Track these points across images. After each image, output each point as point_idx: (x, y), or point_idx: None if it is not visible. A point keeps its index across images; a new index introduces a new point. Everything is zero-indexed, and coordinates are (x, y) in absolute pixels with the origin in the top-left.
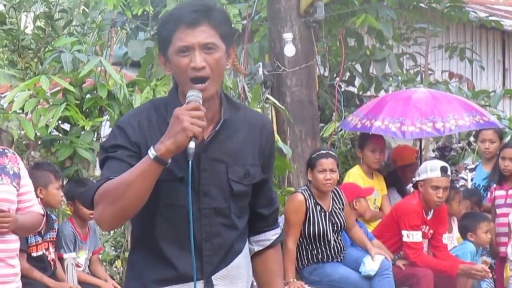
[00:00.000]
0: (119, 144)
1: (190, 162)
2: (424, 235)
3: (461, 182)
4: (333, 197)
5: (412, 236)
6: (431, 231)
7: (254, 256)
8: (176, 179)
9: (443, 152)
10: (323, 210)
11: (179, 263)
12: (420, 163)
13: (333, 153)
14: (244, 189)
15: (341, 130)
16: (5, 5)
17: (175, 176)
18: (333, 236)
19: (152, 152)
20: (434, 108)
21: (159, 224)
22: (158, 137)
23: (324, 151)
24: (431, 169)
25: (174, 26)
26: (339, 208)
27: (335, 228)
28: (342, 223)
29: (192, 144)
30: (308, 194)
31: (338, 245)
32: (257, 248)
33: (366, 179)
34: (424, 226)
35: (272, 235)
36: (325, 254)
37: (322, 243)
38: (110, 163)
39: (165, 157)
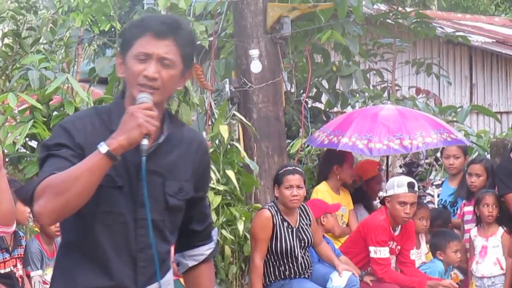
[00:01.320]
0: (63, 143)
1: (143, 158)
2: (391, 251)
3: (428, 198)
4: (300, 213)
5: (379, 252)
6: (399, 247)
7: (187, 272)
8: (116, 187)
9: (410, 168)
10: (290, 226)
11: (115, 272)
12: (387, 176)
13: (299, 169)
14: (178, 203)
15: (307, 146)
16: None
17: (115, 184)
18: (301, 252)
19: (103, 147)
20: (401, 125)
21: (97, 230)
22: (101, 141)
23: (291, 167)
24: (398, 185)
25: (141, 32)
26: (306, 224)
27: (302, 244)
28: (309, 239)
29: (145, 141)
30: (275, 210)
31: (305, 261)
32: (191, 263)
33: (333, 195)
34: (392, 242)
35: (205, 250)
36: (292, 270)
37: (290, 259)
38: (52, 160)
39: (116, 152)
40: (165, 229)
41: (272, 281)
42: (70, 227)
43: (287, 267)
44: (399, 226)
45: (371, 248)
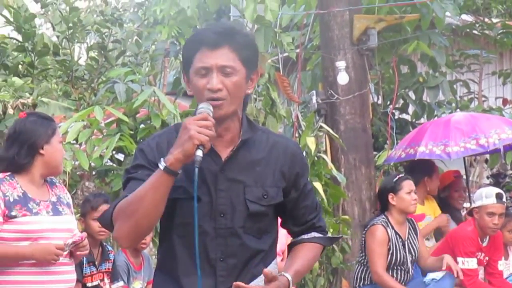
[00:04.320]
0: (140, 164)
1: (196, 169)
2: (479, 262)
3: None
4: (409, 227)
5: (467, 263)
6: (487, 258)
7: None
8: (191, 198)
9: (497, 179)
10: (401, 238)
11: (191, 284)
12: (467, 185)
13: (411, 177)
14: (261, 209)
15: None
16: (58, 36)
17: (190, 195)
18: (411, 264)
19: (161, 164)
20: (475, 126)
21: (175, 243)
22: None
23: (404, 175)
24: (486, 195)
25: (196, 47)
26: (414, 238)
27: (412, 258)
28: (417, 253)
29: (199, 152)
30: (386, 223)
31: (412, 274)
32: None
33: (418, 206)
34: (480, 253)
35: (315, 234)
36: (401, 281)
37: (401, 272)
38: (130, 184)
39: (174, 167)
40: (247, 236)
41: (363, 285)
42: (159, 243)
43: (398, 278)
44: (487, 237)
45: (459, 259)
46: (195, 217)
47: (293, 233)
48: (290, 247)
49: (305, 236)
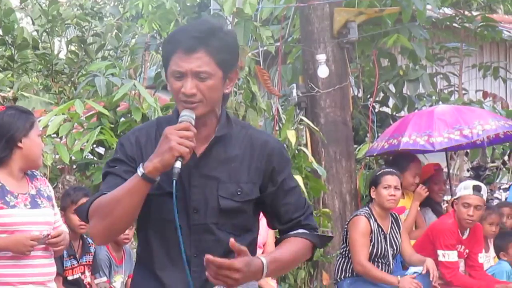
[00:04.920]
0: (118, 158)
1: (174, 181)
2: (459, 255)
3: (495, 202)
4: (392, 220)
5: (447, 256)
6: (467, 250)
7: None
8: (165, 193)
9: (477, 172)
10: (383, 231)
11: (168, 278)
12: (449, 178)
13: (397, 172)
14: (235, 205)
15: None
16: (37, 30)
17: (164, 190)
18: (392, 258)
19: (140, 170)
20: (458, 118)
21: (151, 238)
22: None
23: (389, 169)
24: (464, 187)
25: (173, 49)
26: (396, 232)
27: (393, 252)
28: (399, 247)
29: (178, 164)
30: (370, 215)
31: (393, 268)
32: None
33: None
34: (460, 246)
35: (301, 231)
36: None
37: (381, 264)
38: (108, 178)
39: (152, 175)
40: (222, 232)
41: (344, 278)
42: (138, 238)
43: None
44: (468, 230)
45: (440, 252)
46: (177, 226)
47: (279, 231)
48: (275, 245)
49: (291, 233)
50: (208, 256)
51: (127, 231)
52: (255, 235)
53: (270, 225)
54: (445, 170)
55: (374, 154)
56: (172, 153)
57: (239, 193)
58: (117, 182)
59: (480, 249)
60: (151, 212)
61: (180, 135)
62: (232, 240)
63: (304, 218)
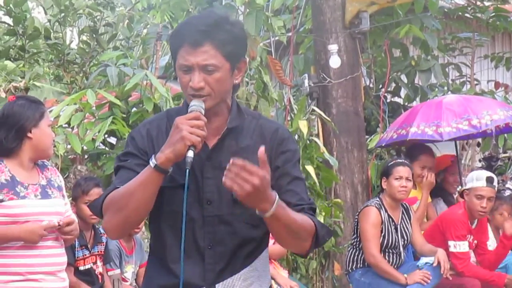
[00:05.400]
0: (129, 151)
1: (187, 171)
2: (469, 245)
3: (507, 192)
4: (402, 211)
5: (459, 246)
6: (476, 241)
7: None
8: (178, 186)
9: (489, 162)
10: (394, 222)
11: (184, 270)
12: (459, 169)
13: (408, 163)
14: None
15: None
16: (49, 20)
17: (177, 183)
18: (402, 249)
19: (152, 161)
20: (467, 108)
21: (164, 230)
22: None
23: (401, 160)
24: (477, 178)
25: (179, 43)
26: (407, 222)
27: (404, 242)
28: (409, 237)
29: (190, 153)
30: (380, 205)
31: (403, 258)
32: None
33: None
34: (470, 236)
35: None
36: (393, 265)
37: (393, 255)
38: (120, 172)
39: (164, 166)
40: (238, 223)
41: (355, 268)
42: (150, 230)
43: (389, 261)
44: (476, 220)
45: (451, 243)
46: (183, 219)
47: None
48: None
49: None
50: (235, 159)
51: None
52: None
53: None
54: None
55: (383, 145)
56: (184, 142)
57: None
58: (129, 175)
59: (487, 237)
60: (164, 205)
61: (191, 125)
62: (262, 148)
63: (307, 208)
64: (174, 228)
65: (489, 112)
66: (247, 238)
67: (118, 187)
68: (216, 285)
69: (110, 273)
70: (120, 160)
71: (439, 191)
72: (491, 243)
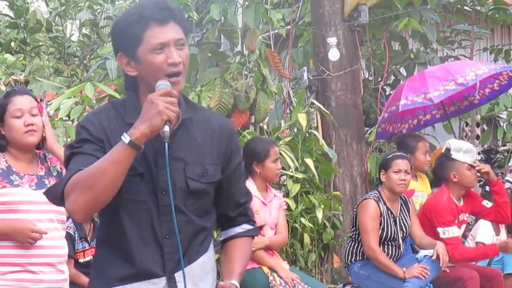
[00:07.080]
0: (84, 138)
1: (166, 144)
2: (463, 222)
3: (507, 185)
4: (401, 203)
5: (447, 232)
6: (467, 215)
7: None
8: (137, 175)
9: (488, 155)
10: (392, 214)
11: (140, 259)
12: None
13: (407, 156)
14: (201, 187)
15: None
16: (50, 13)
17: (136, 172)
18: (402, 241)
19: (125, 137)
20: (449, 70)
21: (122, 220)
22: (119, 134)
23: (399, 153)
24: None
25: (145, 24)
26: (406, 215)
27: (403, 234)
28: (408, 230)
29: (166, 128)
30: (379, 198)
31: (402, 251)
32: (223, 237)
33: (411, 182)
34: (463, 215)
35: (239, 229)
36: (392, 257)
37: (391, 247)
38: (77, 158)
39: (139, 141)
40: (191, 214)
41: (354, 261)
42: (101, 219)
43: (388, 254)
44: (462, 197)
45: (440, 229)
46: (170, 197)
47: (227, 219)
48: (224, 242)
49: (237, 230)
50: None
51: None
52: (213, 218)
53: (219, 211)
54: None
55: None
56: (161, 116)
57: (204, 174)
58: (89, 160)
59: (480, 199)
60: (123, 193)
61: (165, 100)
62: (221, 283)
63: (248, 205)
64: (133, 216)
65: (472, 69)
66: (200, 227)
67: (82, 169)
68: (175, 274)
69: None
70: (73, 147)
71: (439, 182)
72: (489, 232)
